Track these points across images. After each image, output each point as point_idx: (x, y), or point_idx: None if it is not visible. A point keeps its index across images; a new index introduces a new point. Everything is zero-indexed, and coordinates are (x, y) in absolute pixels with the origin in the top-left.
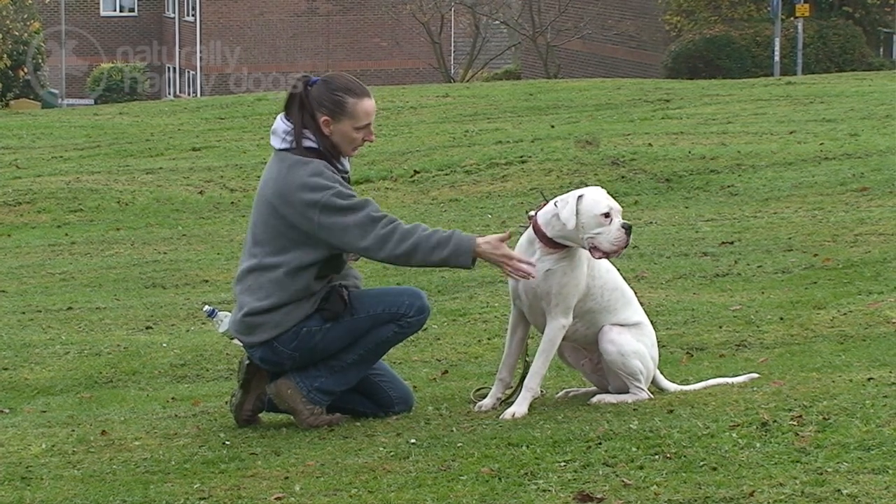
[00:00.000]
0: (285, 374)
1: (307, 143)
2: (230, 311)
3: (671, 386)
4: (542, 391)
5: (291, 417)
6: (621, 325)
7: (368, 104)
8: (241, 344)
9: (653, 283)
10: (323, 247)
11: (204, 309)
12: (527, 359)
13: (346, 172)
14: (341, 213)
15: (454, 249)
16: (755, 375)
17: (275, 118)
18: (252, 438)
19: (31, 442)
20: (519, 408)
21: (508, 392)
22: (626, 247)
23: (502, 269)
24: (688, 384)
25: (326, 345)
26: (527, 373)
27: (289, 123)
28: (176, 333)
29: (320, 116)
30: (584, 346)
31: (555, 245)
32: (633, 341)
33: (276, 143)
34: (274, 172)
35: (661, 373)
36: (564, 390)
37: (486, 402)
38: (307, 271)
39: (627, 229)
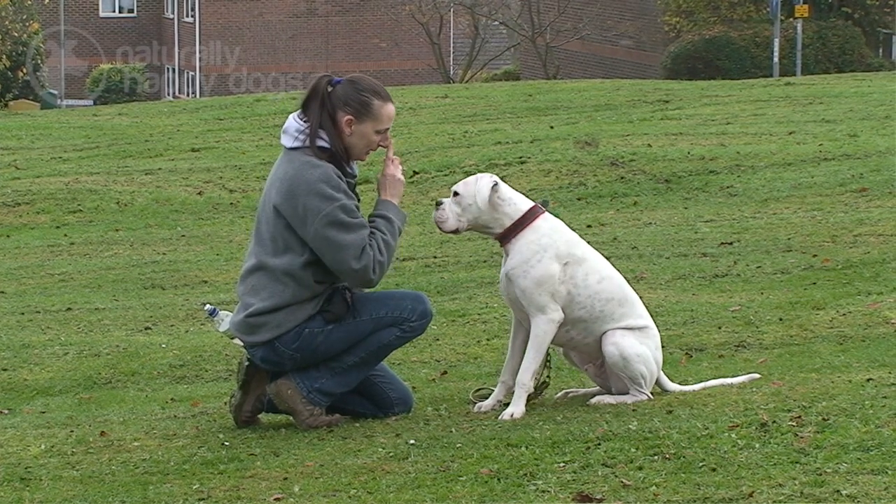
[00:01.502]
0: (285, 375)
1: (320, 143)
2: (230, 311)
3: (676, 388)
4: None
5: (291, 418)
6: (625, 329)
7: (391, 109)
8: (242, 344)
9: (652, 283)
10: None
11: (205, 308)
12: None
13: (354, 176)
14: (343, 229)
15: (399, 221)
16: (756, 375)
17: (274, 118)
18: (251, 439)
19: (31, 443)
20: (516, 408)
21: (510, 395)
22: (436, 223)
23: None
24: (687, 385)
25: (328, 346)
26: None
27: (303, 122)
28: (175, 334)
29: (343, 116)
30: (585, 352)
31: (503, 240)
32: (637, 344)
33: (287, 141)
34: (281, 173)
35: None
36: (564, 391)
37: (487, 403)
38: (308, 271)
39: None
